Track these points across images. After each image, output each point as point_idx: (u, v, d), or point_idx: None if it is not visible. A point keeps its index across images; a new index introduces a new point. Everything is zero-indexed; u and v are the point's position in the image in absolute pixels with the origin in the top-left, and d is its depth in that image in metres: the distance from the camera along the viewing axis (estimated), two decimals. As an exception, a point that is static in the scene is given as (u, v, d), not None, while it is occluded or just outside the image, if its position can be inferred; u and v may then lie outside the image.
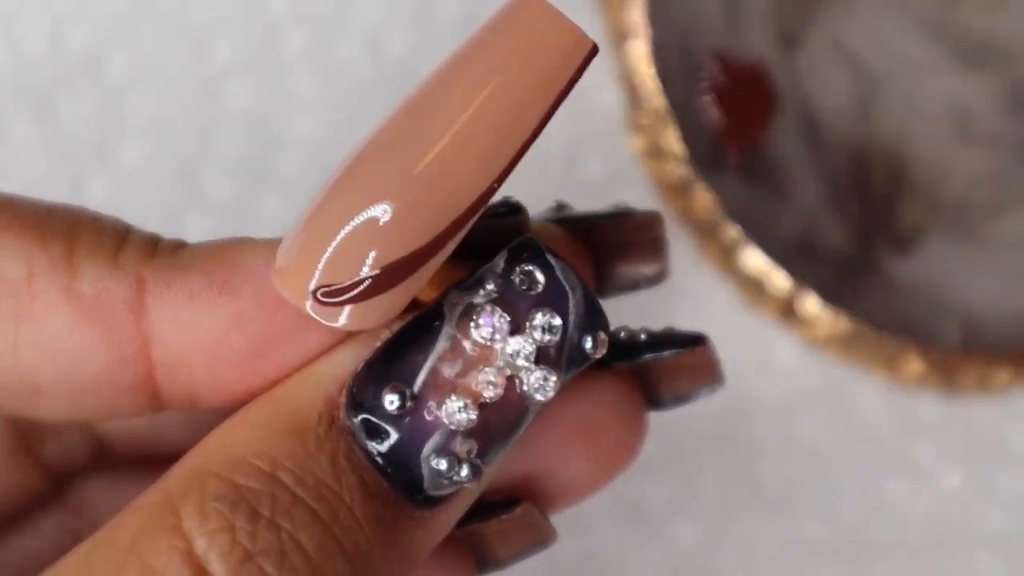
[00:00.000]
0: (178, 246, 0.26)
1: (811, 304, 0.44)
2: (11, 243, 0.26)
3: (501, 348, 0.25)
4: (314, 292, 0.25)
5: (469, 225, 0.25)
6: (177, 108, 0.44)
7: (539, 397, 0.26)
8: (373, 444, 0.25)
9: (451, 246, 0.25)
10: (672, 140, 0.44)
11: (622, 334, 0.30)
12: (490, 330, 0.25)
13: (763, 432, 0.44)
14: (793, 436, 0.44)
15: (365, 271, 0.24)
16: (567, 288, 0.26)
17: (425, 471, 0.25)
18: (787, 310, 0.44)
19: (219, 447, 0.25)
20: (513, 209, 0.28)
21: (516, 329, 0.26)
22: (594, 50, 0.25)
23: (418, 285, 0.25)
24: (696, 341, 0.31)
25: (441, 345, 0.25)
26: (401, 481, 0.25)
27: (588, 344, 0.26)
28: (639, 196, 0.45)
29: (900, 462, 0.45)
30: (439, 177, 0.24)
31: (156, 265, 0.26)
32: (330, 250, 0.24)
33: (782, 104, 0.44)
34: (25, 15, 0.44)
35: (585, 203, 0.45)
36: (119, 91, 0.44)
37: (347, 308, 0.25)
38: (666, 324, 0.45)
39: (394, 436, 0.25)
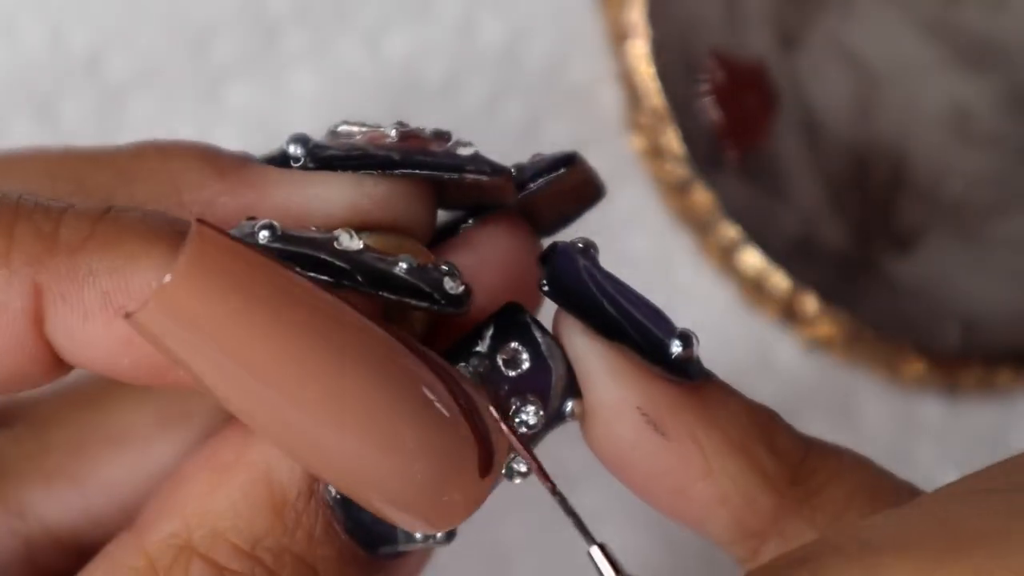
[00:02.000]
0: (83, 240, 0.25)
1: (811, 304, 0.44)
2: None
3: None
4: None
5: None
6: (177, 108, 0.44)
7: (515, 480, 0.26)
8: (350, 519, 0.25)
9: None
10: (672, 140, 0.44)
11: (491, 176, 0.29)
12: None
13: (763, 432, 0.44)
14: (793, 436, 0.44)
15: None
16: (551, 365, 0.26)
17: (400, 536, 0.26)
18: (787, 310, 0.44)
19: (199, 515, 0.25)
20: (497, 170, 0.28)
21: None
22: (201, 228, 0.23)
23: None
24: (568, 160, 0.29)
25: None
26: (376, 546, 0.26)
27: (568, 408, 0.26)
28: (639, 196, 0.45)
29: (900, 462, 0.45)
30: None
31: (53, 268, 0.25)
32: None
33: (782, 104, 0.44)
34: (25, 15, 0.44)
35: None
36: (119, 91, 0.44)
37: None
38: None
39: (371, 514, 0.25)
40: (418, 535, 0.25)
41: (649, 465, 0.27)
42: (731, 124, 0.44)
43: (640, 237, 0.45)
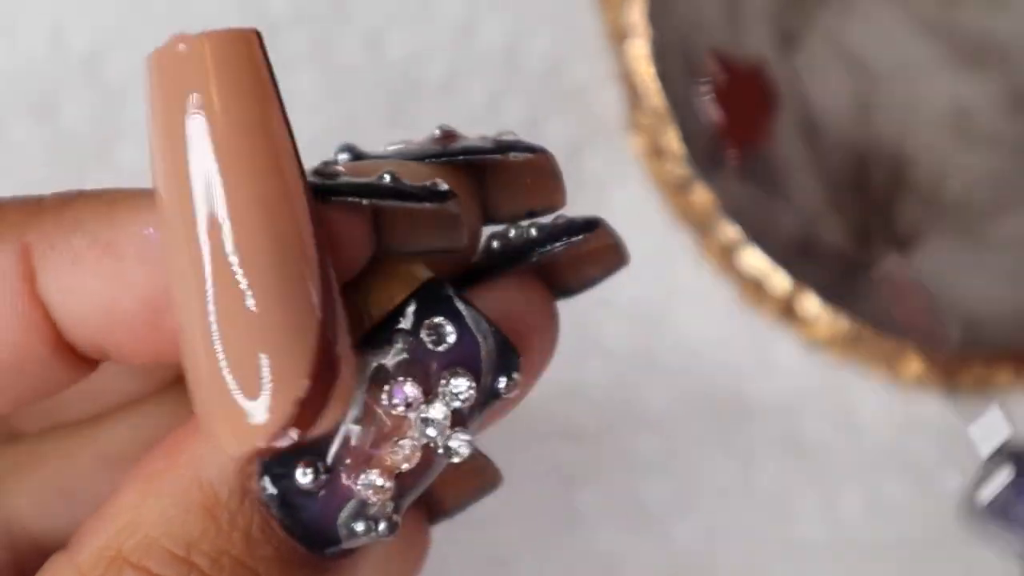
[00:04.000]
0: (67, 201, 0.26)
1: (811, 304, 0.44)
2: None
3: (415, 418, 0.25)
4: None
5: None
6: (177, 108, 0.44)
7: (453, 460, 0.25)
8: (287, 516, 0.25)
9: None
10: (672, 140, 0.44)
11: (512, 233, 0.28)
12: (403, 403, 0.25)
13: (763, 432, 0.44)
14: (793, 436, 0.44)
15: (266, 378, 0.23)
16: (478, 338, 0.25)
17: (342, 533, 0.25)
18: (787, 310, 0.44)
19: (130, 525, 0.24)
20: (533, 148, 0.27)
21: (429, 393, 0.25)
22: (254, 34, 0.25)
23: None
24: (591, 226, 0.28)
25: (352, 413, 0.25)
26: (317, 544, 0.25)
27: (501, 384, 0.25)
28: (639, 196, 0.45)
29: (900, 462, 0.45)
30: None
31: (39, 227, 0.25)
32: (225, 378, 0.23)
33: (782, 104, 0.44)
34: (25, 15, 0.44)
35: (585, 203, 0.45)
36: (119, 91, 0.44)
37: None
38: (665, 324, 0.45)
39: (308, 508, 0.25)
40: (359, 527, 0.25)
41: None
42: (731, 124, 0.44)
43: (640, 237, 0.45)
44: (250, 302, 0.23)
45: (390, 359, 0.25)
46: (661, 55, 0.44)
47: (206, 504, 0.24)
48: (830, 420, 0.44)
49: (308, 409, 0.24)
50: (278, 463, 0.25)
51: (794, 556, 0.44)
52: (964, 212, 0.45)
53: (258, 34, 0.24)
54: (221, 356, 0.23)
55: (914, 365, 0.44)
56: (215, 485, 0.24)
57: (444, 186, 0.26)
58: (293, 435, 0.24)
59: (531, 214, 0.29)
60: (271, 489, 0.24)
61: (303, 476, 0.24)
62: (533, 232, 0.28)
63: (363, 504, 0.25)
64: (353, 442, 0.25)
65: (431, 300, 0.25)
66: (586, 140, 0.45)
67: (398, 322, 0.25)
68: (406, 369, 0.25)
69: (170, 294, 0.24)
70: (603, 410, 0.44)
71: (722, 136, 0.44)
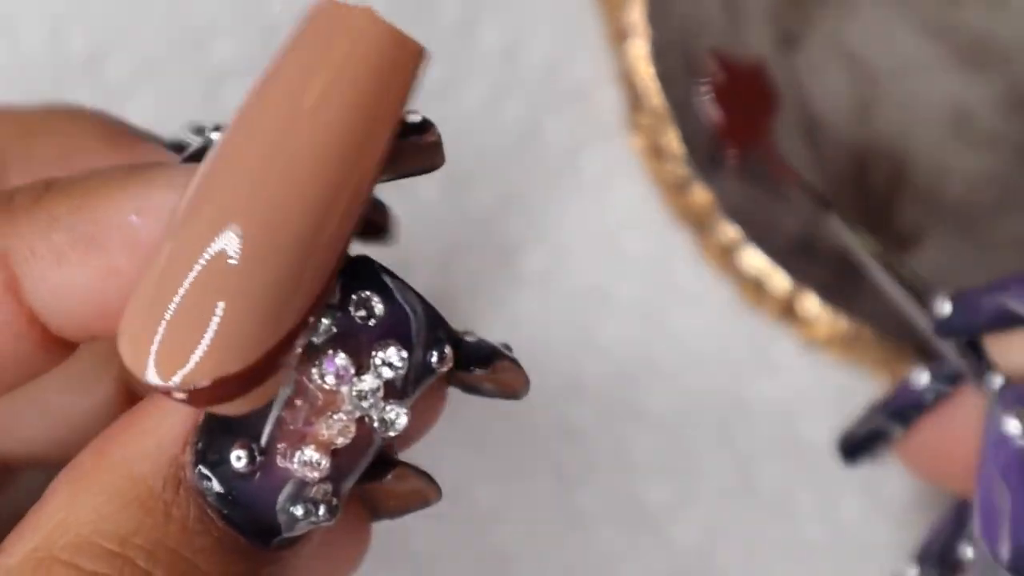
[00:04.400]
0: (38, 195, 0.25)
1: (811, 304, 0.44)
2: None
3: (348, 391, 0.25)
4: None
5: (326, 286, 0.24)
6: (177, 108, 0.44)
7: (390, 433, 0.25)
8: (223, 504, 0.24)
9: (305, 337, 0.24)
10: (672, 140, 0.44)
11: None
12: (334, 375, 0.24)
13: (763, 432, 0.44)
14: (793, 436, 0.44)
15: (214, 324, 0.23)
16: (407, 310, 0.25)
17: (281, 519, 0.24)
18: (787, 310, 0.44)
19: (61, 525, 0.24)
20: (419, 127, 0.26)
21: (360, 367, 0.25)
22: (422, 55, 0.24)
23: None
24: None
25: (284, 391, 0.24)
26: (257, 532, 0.24)
27: (434, 359, 0.25)
28: (639, 196, 0.45)
29: (900, 462, 0.45)
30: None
31: (16, 232, 0.25)
32: (172, 308, 0.23)
33: (782, 104, 0.44)
34: (25, 15, 0.44)
35: (585, 203, 0.45)
36: (119, 91, 0.44)
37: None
38: (665, 324, 0.45)
39: (245, 493, 0.24)
40: (299, 511, 0.24)
41: None
42: (731, 124, 0.44)
43: (640, 237, 0.45)
44: (260, 253, 0.23)
45: (320, 336, 0.25)
46: (661, 55, 0.44)
47: (140, 497, 0.24)
48: (830, 420, 0.44)
49: (222, 389, 0.23)
50: (212, 449, 0.24)
51: (794, 556, 0.44)
52: (964, 212, 0.45)
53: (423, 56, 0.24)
54: (188, 283, 0.23)
55: (914, 365, 0.44)
56: (148, 478, 0.24)
57: (417, 117, 0.26)
58: (181, 396, 0.23)
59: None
60: (206, 476, 0.24)
61: (237, 460, 0.24)
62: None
63: (301, 485, 0.24)
64: (287, 421, 0.24)
65: (358, 275, 0.25)
66: (586, 140, 0.45)
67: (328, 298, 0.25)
68: (337, 344, 0.25)
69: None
70: (603, 410, 0.44)
71: (722, 136, 0.44)
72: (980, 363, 0.33)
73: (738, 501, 0.44)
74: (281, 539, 0.25)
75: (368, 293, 0.25)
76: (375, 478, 0.27)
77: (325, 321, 0.25)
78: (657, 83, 0.44)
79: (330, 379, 0.25)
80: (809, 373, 0.45)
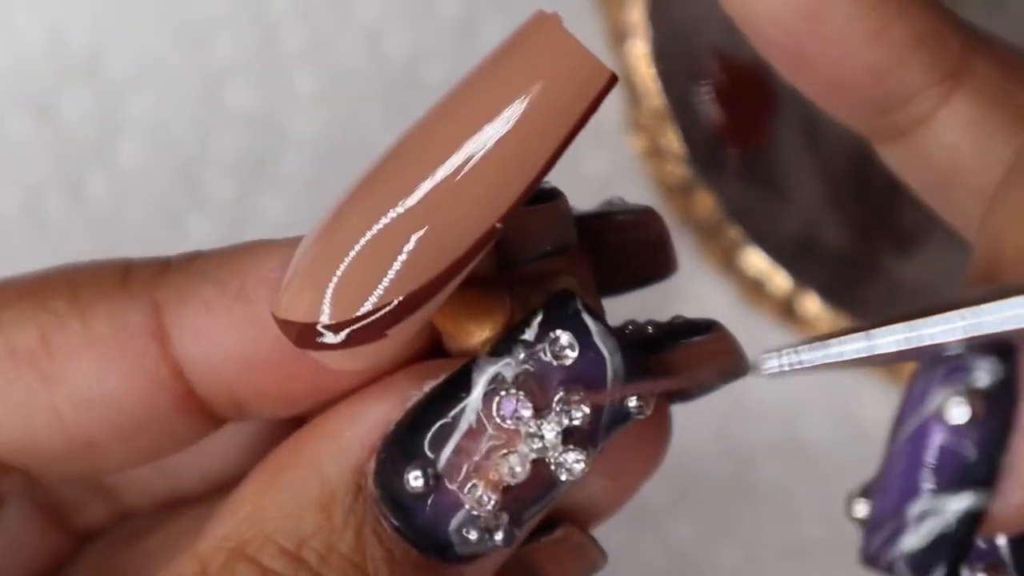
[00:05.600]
0: (190, 259, 0.26)
1: (811, 304, 0.44)
2: (14, 316, 0.25)
3: (526, 432, 0.24)
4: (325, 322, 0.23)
5: (472, 263, 0.24)
6: (177, 108, 0.44)
7: (565, 478, 0.24)
8: (399, 518, 0.24)
9: (452, 286, 0.24)
10: (672, 140, 0.44)
11: (628, 329, 0.28)
12: (513, 416, 0.24)
13: (763, 432, 0.44)
14: (793, 436, 0.44)
15: (375, 298, 0.23)
16: (604, 354, 0.25)
17: (455, 540, 0.25)
18: (787, 310, 0.44)
19: (249, 518, 0.25)
20: (548, 195, 0.27)
21: (543, 408, 0.24)
22: (613, 80, 0.24)
23: (412, 329, 0.24)
24: (707, 327, 0.29)
25: (466, 422, 0.24)
26: (430, 548, 0.25)
27: (632, 404, 0.25)
28: (639, 196, 0.45)
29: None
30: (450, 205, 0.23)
31: (168, 283, 0.25)
32: (343, 267, 0.23)
33: (782, 104, 0.44)
34: (25, 15, 0.44)
35: (585, 203, 0.45)
36: (119, 91, 0.44)
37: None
38: (663, 316, 0.45)
39: (420, 512, 0.24)
40: (472, 535, 0.24)
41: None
42: (731, 124, 0.44)
43: (640, 237, 0.45)
44: (453, 216, 0.23)
45: (509, 369, 0.25)
46: (661, 55, 0.44)
47: (322, 500, 0.24)
48: (830, 420, 0.44)
49: (371, 329, 0.23)
50: (392, 466, 0.24)
51: (794, 556, 0.44)
52: (964, 212, 0.45)
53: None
54: (373, 231, 0.23)
55: (914, 366, 0.44)
56: (332, 482, 0.25)
57: (547, 185, 0.26)
58: (329, 330, 0.23)
59: (643, 282, 0.29)
60: (384, 488, 0.24)
61: (414, 480, 0.24)
62: (649, 330, 0.28)
63: (475, 515, 0.24)
64: (465, 451, 0.24)
65: (559, 312, 0.25)
66: (586, 140, 0.45)
67: (523, 332, 0.25)
68: (524, 381, 0.24)
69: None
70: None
71: (722, 136, 0.44)
72: None
73: (738, 501, 0.44)
74: (456, 555, 0.25)
75: (561, 332, 0.25)
76: (542, 534, 0.27)
77: (519, 355, 0.25)
78: (657, 83, 0.44)
79: (508, 418, 0.24)
80: (809, 373, 0.45)
